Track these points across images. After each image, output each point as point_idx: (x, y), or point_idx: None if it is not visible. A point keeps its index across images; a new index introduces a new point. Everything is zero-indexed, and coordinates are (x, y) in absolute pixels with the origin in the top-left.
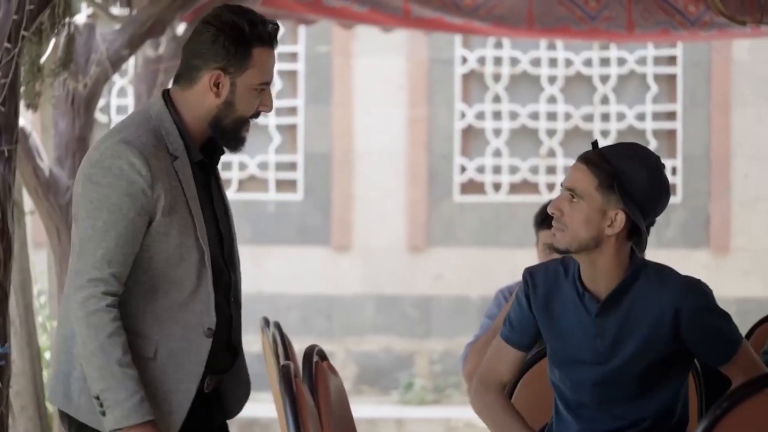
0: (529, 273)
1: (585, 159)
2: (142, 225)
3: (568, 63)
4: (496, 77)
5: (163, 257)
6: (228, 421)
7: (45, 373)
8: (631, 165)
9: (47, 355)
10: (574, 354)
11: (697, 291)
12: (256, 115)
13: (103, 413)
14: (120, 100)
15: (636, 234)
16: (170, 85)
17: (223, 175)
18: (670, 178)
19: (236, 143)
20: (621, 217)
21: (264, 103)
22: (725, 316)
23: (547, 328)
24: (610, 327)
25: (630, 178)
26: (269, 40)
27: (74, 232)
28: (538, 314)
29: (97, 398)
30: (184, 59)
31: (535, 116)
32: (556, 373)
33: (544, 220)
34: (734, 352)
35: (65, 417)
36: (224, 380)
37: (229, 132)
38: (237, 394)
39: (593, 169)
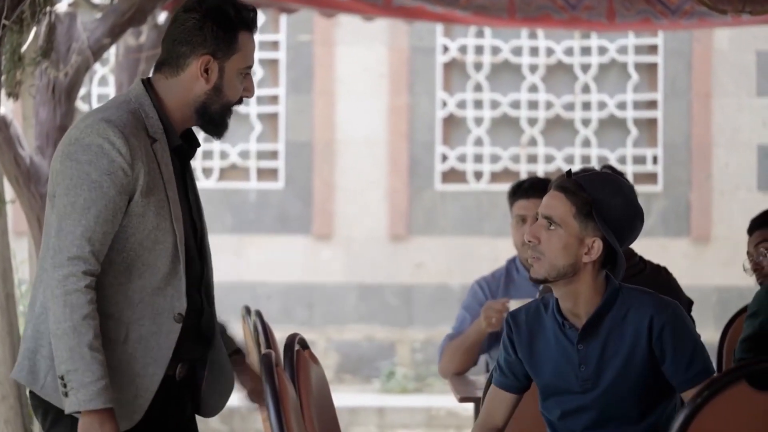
0: (511, 316)
1: (561, 187)
2: (122, 204)
3: (549, 52)
4: (478, 66)
5: (139, 239)
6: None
7: None
8: (606, 192)
9: None
10: (562, 384)
11: (673, 307)
12: (240, 101)
13: (66, 394)
14: (101, 89)
15: (610, 261)
16: (151, 74)
17: (204, 164)
18: (651, 167)
19: (221, 130)
20: (598, 245)
21: (247, 89)
22: (698, 342)
23: (533, 365)
24: (593, 353)
25: (607, 206)
26: (251, 24)
27: (49, 210)
28: (522, 353)
29: (62, 378)
30: (168, 47)
31: (516, 105)
32: (546, 406)
33: (516, 191)
34: (703, 380)
35: (32, 394)
36: (206, 377)
37: (215, 118)
38: (221, 390)
39: (570, 197)
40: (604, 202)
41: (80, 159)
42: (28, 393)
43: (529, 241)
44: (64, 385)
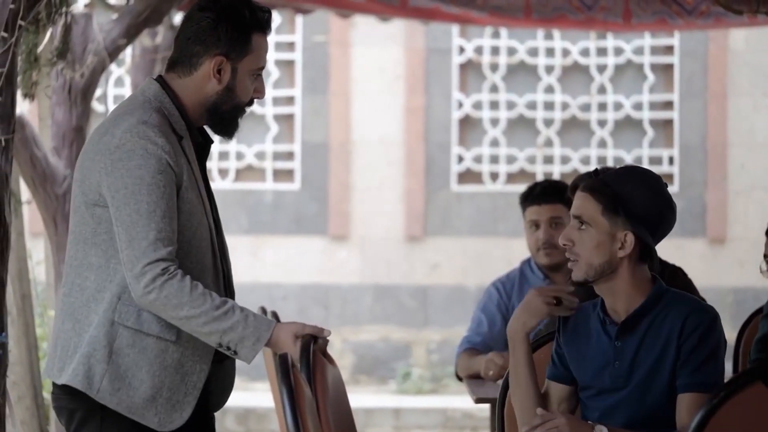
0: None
1: (586, 187)
2: (176, 200)
3: (565, 53)
4: (494, 67)
5: (187, 237)
6: (224, 411)
7: (42, 364)
8: (631, 185)
9: (45, 345)
10: (598, 381)
11: (711, 315)
12: (251, 102)
13: (236, 353)
14: (117, 90)
15: (647, 255)
16: (163, 73)
17: (220, 164)
18: (667, 168)
19: (231, 130)
20: (630, 238)
21: (258, 90)
22: (717, 356)
23: (573, 360)
24: (628, 350)
25: (632, 198)
26: (266, 26)
27: (88, 217)
28: (566, 348)
29: (221, 345)
30: (181, 46)
31: (532, 106)
32: (587, 405)
33: (527, 197)
34: (701, 391)
35: (73, 394)
36: (213, 372)
37: (226, 118)
38: (224, 385)
39: (596, 195)
40: (629, 194)
41: (129, 165)
42: (51, 395)
43: (564, 245)
44: (228, 348)
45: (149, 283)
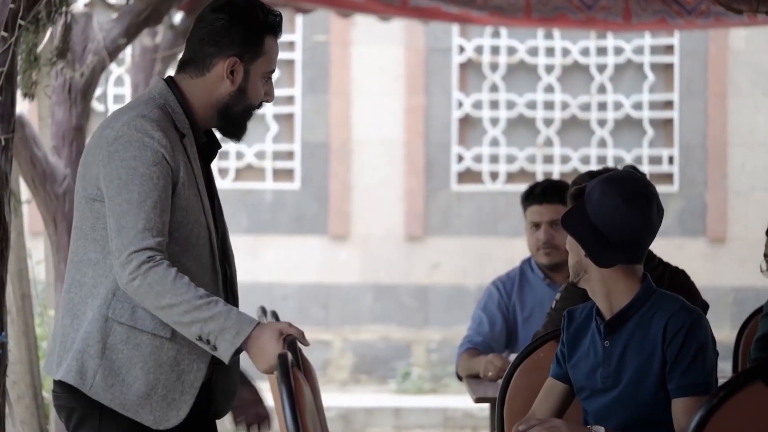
0: (568, 312)
1: (570, 193)
2: (170, 195)
3: (565, 52)
4: (494, 66)
5: (183, 234)
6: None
7: (42, 363)
8: (606, 207)
9: (44, 344)
10: (590, 381)
11: (694, 315)
12: (260, 105)
13: (215, 347)
14: (117, 89)
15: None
16: (173, 73)
17: (220, 164)
18: (667, 167)
19: (240, 132)
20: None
21: (268, 93)
22: (706, 356)
23: (571, 359)
24: (616, 351)
25: (598, 221)
26: (277, 28)
27: (87, 212)
28: (567, 348)
29: (200, 339)
30: (194, 47)
31: (532, 105)
32: (584, 407)
33: (528, 196)
34: (693, 393)
35: (72, 393)
36: (216, 378)
37: (236, 120)
38: (227, 391)
39: (571, 201)
40: (597, 217)
41: (124, 156)
42: (52, 394)
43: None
44: (208, 342)
45: (134, 270)
